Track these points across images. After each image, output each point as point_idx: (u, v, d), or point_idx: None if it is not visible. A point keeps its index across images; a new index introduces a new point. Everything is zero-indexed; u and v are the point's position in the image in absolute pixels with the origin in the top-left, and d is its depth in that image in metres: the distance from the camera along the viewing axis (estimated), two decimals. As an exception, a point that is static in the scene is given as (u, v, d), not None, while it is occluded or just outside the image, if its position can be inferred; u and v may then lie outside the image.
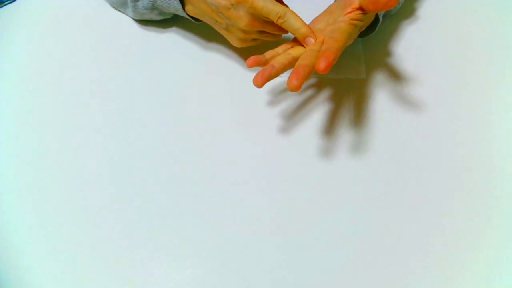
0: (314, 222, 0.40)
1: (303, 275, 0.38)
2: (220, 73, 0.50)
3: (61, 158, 0.45)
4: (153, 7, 0.50)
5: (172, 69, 0.50)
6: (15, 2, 0.59)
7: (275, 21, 0.41)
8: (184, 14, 0.48)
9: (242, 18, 0.41)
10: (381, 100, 0.47)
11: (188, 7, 0.47)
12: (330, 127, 0.45)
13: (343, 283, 0.37)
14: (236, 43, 0.46)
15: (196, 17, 0.48)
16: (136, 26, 0.54)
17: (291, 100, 0.47)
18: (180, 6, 0.47)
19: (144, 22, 0.54)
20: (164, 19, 0.52)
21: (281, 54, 0.41)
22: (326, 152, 0.44)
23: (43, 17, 0.57)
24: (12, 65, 0.53)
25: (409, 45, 0.51)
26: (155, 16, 0.51)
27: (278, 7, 0.40)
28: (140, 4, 0.50)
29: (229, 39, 0.47)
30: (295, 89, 0.35)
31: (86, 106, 0.48)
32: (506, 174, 0.42)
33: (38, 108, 0.49)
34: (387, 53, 0.51)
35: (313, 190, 0.42)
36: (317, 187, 0.42)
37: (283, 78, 0.49)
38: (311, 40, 0.41)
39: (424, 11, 0.54)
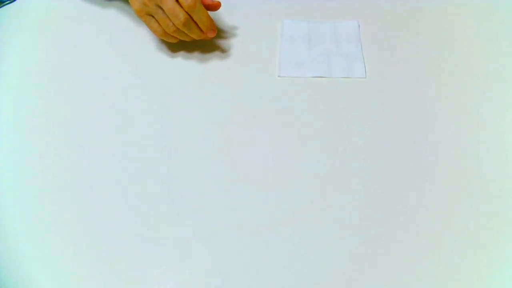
0: (314, 222, 0.40)
1: (304, 275, 0.38)
2: (222, 74, 0.50)
3: (61, 158, 0.45)
4: None
5: (174, 69, 0.50)
6: (15, 2, 0.59)
7: (185, 8, 0.44)
8: None
9: None
10: (381, 99, 0.47)
11: None
12: (330, 127, 0.45)
13: (346, 284, 0.37)
14: (136, 9, 0.47)
15: None
16: (137, 26, 0.54)
17: (291, 100, 0.47)
18: None
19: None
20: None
21: None
22: (325, 152, 0.44)
23: (43, 17, 0.57)
24: (12, 65, 0.53)
25: (410, 45, 0.51)
26: None
27: None
28: None
29: (132, 4, 0.48)
30: None
31: (86, 106, 0.48)
32: (506, 174, 0.42)
33: (37, 108, 0.49)
34: (387, 53, 0.51)
35: (313, 190, 0.42)
36: (316, 187, 0.42)
37: (282, 78, 0.49)
38: (213, 34, 0.47)
39: (426, 10, 0.54)
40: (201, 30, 0.47)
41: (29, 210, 0.42)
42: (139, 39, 0.53)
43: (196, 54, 0.51)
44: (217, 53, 0.51)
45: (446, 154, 0.43)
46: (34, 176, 0.44)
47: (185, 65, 0.51)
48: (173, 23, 0.46)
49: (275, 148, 0.44)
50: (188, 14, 0.45)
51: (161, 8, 0.45)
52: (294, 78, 0.49)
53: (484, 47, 0.50)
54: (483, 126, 0.45)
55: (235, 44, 0.52)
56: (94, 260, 0.39)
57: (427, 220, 0.40)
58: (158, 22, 0.47)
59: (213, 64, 0.50)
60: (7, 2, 0.59)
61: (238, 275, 0.38)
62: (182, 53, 0.52)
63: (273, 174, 0.43)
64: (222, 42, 0.51)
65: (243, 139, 0.45)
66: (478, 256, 0.38)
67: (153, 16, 0.47)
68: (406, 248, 0.38)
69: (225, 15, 0.55)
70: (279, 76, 0.49)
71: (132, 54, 0.52)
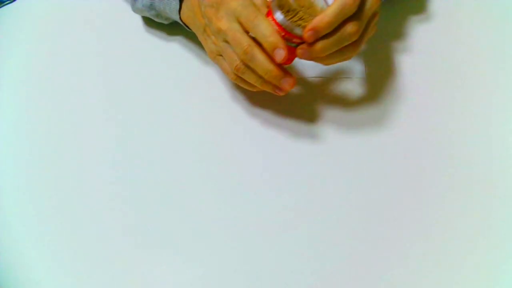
0: (313, 223, 0.40)
1: (303, 275, 0.38)
2: (221, 74, 0.50)
3: (61, 159, 0.45)
4: (151, 7, 0.48)
5: (174, 71, 0.50)
6: (15, 2, 0.59)
7: (247, 28, 0.37)
8: (177, 18, 0.46)
9: (217, 18, 0.38)
10: (381, 99, 0.47)
11: (183, 10, 0.45)
12: (329, 127, 0.45)
13: (343, 284, 0.37)
14: (208, 51, 0.43)
15: (187, 23, 0.45)
16: (137, 27, 0.54)
17: (290, 100, 0.47)
18: (177, 6, 0.44)
19: (148, 24, 0.54)
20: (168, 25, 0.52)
21: None
22: (325, 152, 0.44)
23: (43, 17, 0.57)
24: (12, 65, 0.53)
25: (409, 44, 0.51)
26: (152, 17, 0.50)
27: (251, 10, 0.36)
28: (139, 0, 0.49)
29: (204, 47, 0.43)
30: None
31: (86, 107, 0.48)
32: (507, 175, 0.42)
33: (37, 108, 0.49)
34: (387, 53, 0.51)
35: (313, 190, 0.42)
36: (316, 188, 0.42)
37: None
38: (281, 52, 0.35)
39: (425, 10, 0.54)
40: (271, 59, 0.37)
41: (28, 210, 0.42)
42: (139, 39, 0.53)
43: (195, 54, 0.51)
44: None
45: (447, 154, 0.43)
46: (33, 176, 0.44)
47: (184, 65, 0.51)
48: (237, 56, 0.38)
49: (275, 148, 0.44)
50: (253, 39, 0.37)
51: (228, 42, 0.38)
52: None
53: (483, 47, 0.50)
54: (485, 126, 0.45)
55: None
56: (94, 261, 0.39)
57: (430, 223, 0.40)
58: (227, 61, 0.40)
59: (213, 64, 0.50)
60: (7, 2, 0.59)
61: (238, 275, 0.38)
62: (181, 52, 0.52)
63: (272, 174, 0.43)
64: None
65: (243, 139, 0.45)
66: (479, 258, 0.38)
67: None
68: (404, 249, 0.39)
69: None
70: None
71: (132, 54, 0.52)
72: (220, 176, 0.43)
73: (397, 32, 0.52)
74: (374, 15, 0.38)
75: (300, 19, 0.35)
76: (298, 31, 0.35)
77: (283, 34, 0.36)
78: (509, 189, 0.41)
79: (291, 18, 0.35)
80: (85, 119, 0.48)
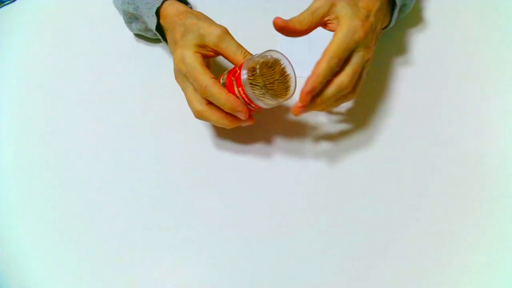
0: (314, 223, 0.40)
1: (302, 275, 0.38)
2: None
3: (61, 158, 0.45)
4: (146, 29, 0.49)
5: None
6: (15, 2, 0.59)
7: (200, 93, 0.38)
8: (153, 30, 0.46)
9: (174, 69, 0.40)
10: (381, 99, 0.47)
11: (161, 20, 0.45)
12: (329, 127, 0.45)
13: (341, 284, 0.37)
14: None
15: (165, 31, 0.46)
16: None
17: (291, 100, 0.47)
18: (155, 19, 0.45)
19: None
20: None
21: None
22: (325, 152, 0.44)
23: (43, 17, 0.57)
24: (12, 65, 0.53)
25: (409, 44, 0.51)
26: (151, 36, 0.51)
27: (198, 76, 0.37)
28: (134, 26, 0.50)
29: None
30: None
31: (86, 106, 0.48)
32: (507, 175, 0.42)
33: (36, 108, 0.49)
34: (387, 53, 0.51)
35: (312, 188, 0.42)
36: (316, 187, 0.42)
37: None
38: (241, 114, 0.37)
39: (424, 10, 0.54)
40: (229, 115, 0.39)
41: (29, 211, 0.42)
42: (140, 39, 0.53)
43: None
44: (218, 59, 0.51)
45: (447, 154, 0.43)
46: (34, 176, 0.44)
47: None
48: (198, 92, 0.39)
49: (274, 148, 0.44)
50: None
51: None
52: (294, 78, 0.49)
53: (483, 48, 0.50)
54: (485, 126, 0.45)
55: (235, 44, 0.52)
56: (94, 260, 0.39)
57: (434, 223, 0.40)
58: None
59: (213, 65, 0.50)
60: (7, 2, 0.59)
61: (238, 275, 0.38)
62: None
63: (271, 174, 0.43)
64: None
65: (242, 139, 0.45)
66: (479, 257, 0.38)
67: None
68: (407, 249, 0.39)
69: (225, 15, 0.55)
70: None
71: (131, 55, 0.52)
72: (220, 177, 0.43)
73: (397, 32, 0.53)
74: (366, 61, 0.39)
75: (263, 95, 0.36)
76: (259, 103, 0.36)
77: (245, 100, 0.37)
78: (508, 189, 0.41)
79: (256, 92, 0.36)
80: (85, 118, 0.48)
